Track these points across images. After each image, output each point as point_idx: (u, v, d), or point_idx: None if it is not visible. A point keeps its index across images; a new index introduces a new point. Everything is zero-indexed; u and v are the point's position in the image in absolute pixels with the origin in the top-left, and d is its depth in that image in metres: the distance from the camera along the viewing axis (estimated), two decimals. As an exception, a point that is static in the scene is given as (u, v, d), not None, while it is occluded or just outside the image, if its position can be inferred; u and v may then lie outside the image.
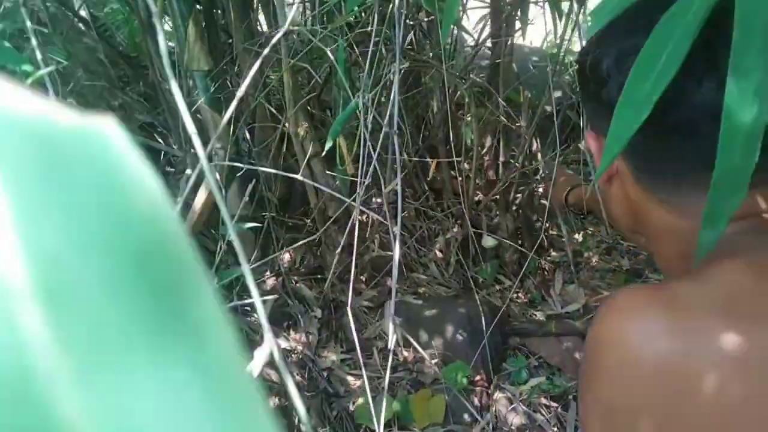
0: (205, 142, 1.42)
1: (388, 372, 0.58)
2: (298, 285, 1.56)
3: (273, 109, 1.41)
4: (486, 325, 1.50)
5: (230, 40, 1.51)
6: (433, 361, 1.46)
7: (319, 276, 1.60)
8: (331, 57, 0.96)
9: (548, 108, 2.08)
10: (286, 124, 1.42)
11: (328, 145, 0.80)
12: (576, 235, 2.17)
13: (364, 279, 1.66)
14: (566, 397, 1.45)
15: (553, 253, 2.09)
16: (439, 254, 1.91)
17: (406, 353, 1.50)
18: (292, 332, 1.45)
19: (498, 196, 1.95)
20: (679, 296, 0.47)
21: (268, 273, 1.53)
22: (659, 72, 0.46)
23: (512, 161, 2.07)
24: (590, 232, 2.20)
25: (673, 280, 0.55)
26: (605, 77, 0.53)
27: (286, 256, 1.60)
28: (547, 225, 2.16)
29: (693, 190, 0.51)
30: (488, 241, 1.89)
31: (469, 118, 1.76)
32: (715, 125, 0.43)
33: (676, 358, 0.44)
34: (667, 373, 0.44)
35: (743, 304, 0.44)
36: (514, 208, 1.99)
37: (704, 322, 0.44)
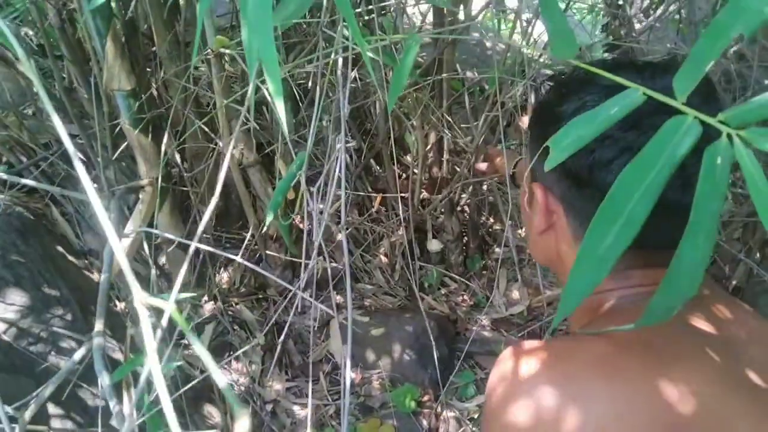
0: (129, 166, 1.29)
1: None
2: (238, 307, 1.49)
3: (206, 128, 1.30)
4: (433, 340, 1.49)
5: (153, 48, 1.37)
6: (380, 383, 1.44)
7: (260, 296, 1.54)
8: (269, 97, 0.87)
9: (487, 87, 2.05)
10: (219, 143, 1.33)
11: (268, 220, 0.73)
12: (519, 230, 2.17)
13: (308, 295, 1.60)
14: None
15: (497, 250, 2.09)
16: (384, 259, 1.87)
17: (353, 375, 1.47)
18: (233, 362, 1.38)
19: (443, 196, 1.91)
20: (564, 354, 0.50)
21: (205, 297, 1.44)
22: (625, 221, 0.45)
23: (458, 159, 2.03)
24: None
25: (562, 339, 0.58)
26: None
27: (225, 276, 1.52)
28: (492, 221, 2.15)
29: (627, 263, 0.54)
30: (433, 245, 1.87)
31: (412, 125, 1.70)
32: (665, 216, 0.45)
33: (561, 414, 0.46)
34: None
35: (629, 363, 0.47)
36: (459, 209, 1.96)
37: (588, 380, 0.47)
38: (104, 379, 0.63)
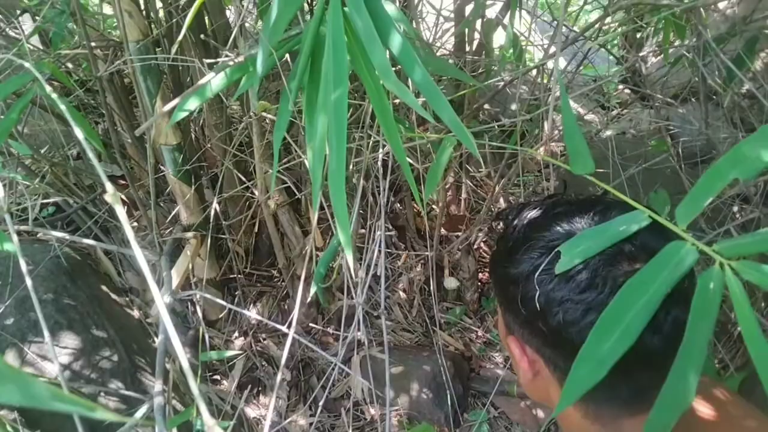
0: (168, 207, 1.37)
1: None
2: (266, 342, 1.57)
3: (243, 177, 1.39)
4: (449, 379, 1.56)
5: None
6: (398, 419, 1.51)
7: (286, 332, 1.62)
8: (306, 162, 0.96)
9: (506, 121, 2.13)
10: (255, 192, 1.42)
11: (313, 291, 0.81)
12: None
13: (330, 331, 1.68)
14: (526, 453, 1.52)
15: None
16: (402, 295, 1.95)
17: (372, 411, 1.54)
18: (261, 397, 1.46)
19: (460, 233, 1.99)
20: None
21: (236, 333, 1.53)
22: (624, 329, 0.50)
23: (476, 199, 2.11)
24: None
25: None
26: (550, 306, 0.53)
27: (254, 313, 1.60)
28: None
29: (615, 412, 0.56)
30: (450, 283, 1.94)
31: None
32: (642, 363, 0.49)
33: None
34: None
35: None
36: (475, 247, 2.04)
37: None
38: (167, 438, 0.70)
